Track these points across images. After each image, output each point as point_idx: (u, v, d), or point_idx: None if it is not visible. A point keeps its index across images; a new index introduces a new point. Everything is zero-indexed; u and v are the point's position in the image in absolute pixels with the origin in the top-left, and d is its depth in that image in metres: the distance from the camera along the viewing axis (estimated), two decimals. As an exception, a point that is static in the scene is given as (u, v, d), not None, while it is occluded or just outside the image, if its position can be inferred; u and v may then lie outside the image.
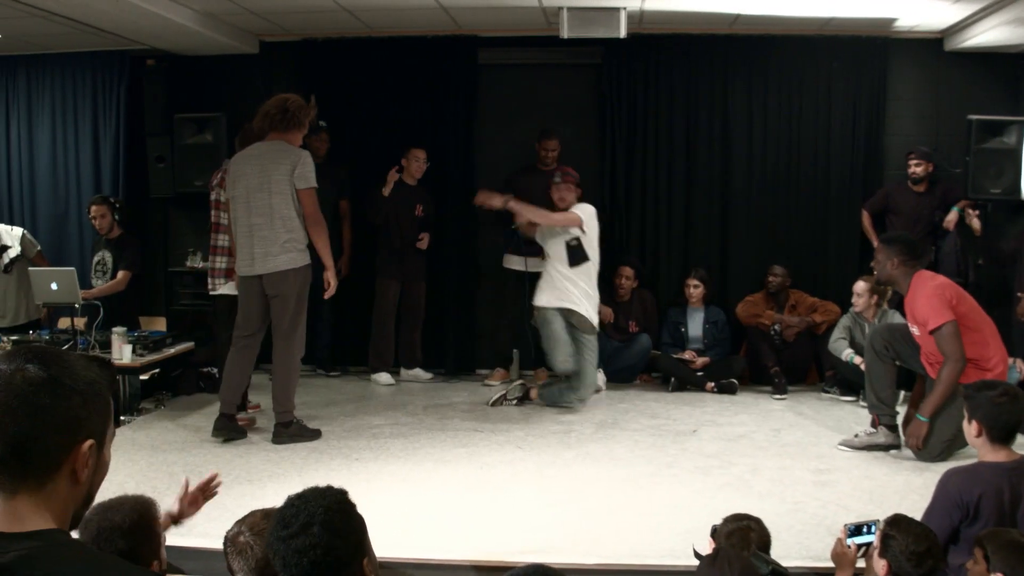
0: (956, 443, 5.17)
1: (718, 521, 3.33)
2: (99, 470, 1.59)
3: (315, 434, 5.84)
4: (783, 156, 7.95)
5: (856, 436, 5.70)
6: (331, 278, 5.85)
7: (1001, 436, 3.58)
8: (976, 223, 7.27)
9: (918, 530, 3.14)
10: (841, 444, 5.66)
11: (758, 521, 3.28)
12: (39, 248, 7.77)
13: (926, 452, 5.29)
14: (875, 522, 3.31)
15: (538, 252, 7.04)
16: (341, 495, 2.28)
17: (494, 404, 6.82)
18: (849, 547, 3.34)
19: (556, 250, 6.68)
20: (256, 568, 2.77)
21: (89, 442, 1.53)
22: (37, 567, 1.41)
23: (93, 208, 7.46)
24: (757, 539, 3.20)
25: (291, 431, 5.76)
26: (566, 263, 6.61)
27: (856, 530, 3.35)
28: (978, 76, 7.70)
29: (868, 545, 3.30)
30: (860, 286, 6.92)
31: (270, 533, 2.20)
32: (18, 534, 1.45)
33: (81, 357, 1.63)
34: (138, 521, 2.82)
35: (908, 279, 5.39)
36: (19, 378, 1.48)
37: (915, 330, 5.42)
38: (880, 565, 3.13)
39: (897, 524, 3.16)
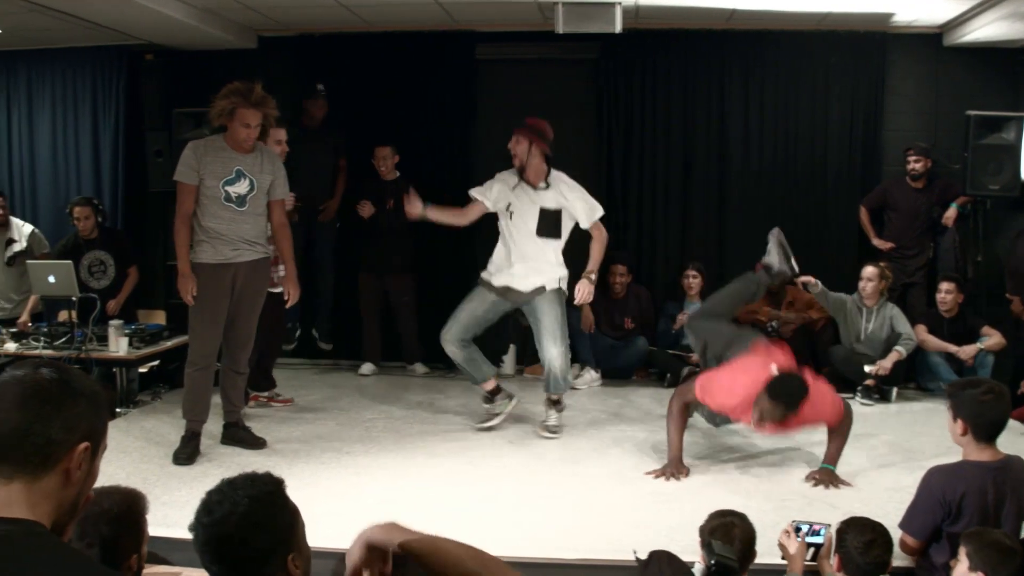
0: None
1: (703, 517, 3.35)
2: (89, 477, 1.65)
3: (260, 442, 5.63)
4: (780, 151, 7.93)
5: None
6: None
7: (986, 434, 3.58)
8: None
9: (865, 523, 3.37)
10: None
11: (742, 517, 3.31)
12: (48, 250, 7.78)
13: None
14: (826, 526, 3.53)
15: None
16: (272, 486, 2.14)
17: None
18: (799, 542, 3.50)
19: (523, 214, 5.87)
20: None
21: (85, 444, 1.60)
22: (4, 549, 1.45)
23: (77, 209, 7.35)
24: (740, 535, 3.23)
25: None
26: (532, 230, 5.85)
27: (807, 528, 3.54)
28: (977, 71, 7.66)
29: (818, 547, 3.49)
30: (870, 271, 6.91)
31: (194, 515, 2.16)
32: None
33: (86, 374, 1.76)
34: (126, 511, 2.84)
35: None
36: (32, 378, 1.60)
37: None
38: (834, 560, 3.39)
39: (849, 523, 3.41)
